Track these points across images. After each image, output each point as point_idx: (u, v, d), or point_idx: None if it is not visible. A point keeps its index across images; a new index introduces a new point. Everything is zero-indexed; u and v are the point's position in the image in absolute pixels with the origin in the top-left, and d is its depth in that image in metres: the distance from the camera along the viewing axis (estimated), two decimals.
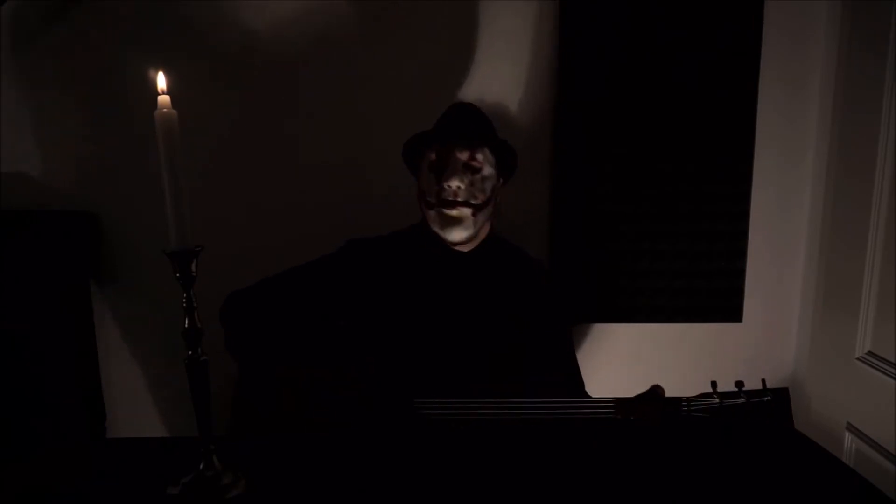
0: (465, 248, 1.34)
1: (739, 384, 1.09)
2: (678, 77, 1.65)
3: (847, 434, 1.55)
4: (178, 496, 0.84)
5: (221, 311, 1.31)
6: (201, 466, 0.85)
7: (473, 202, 1.26)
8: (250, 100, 1.67)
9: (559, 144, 1.69)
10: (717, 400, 1.08)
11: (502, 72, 1.67)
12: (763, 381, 1.09)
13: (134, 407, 1.81)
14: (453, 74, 1.67)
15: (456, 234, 1.28)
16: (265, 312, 1.31)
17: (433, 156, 1.29)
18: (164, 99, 0.79)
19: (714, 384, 1.11)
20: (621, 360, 1.81)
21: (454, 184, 1.24)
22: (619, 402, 1.11)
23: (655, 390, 1.13)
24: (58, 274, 1.62)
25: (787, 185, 1.74)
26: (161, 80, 0.80)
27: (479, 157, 1.27)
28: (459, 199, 1.25)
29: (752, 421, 1.07)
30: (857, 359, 1.52)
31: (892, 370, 1.40)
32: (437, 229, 1.29)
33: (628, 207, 1.72)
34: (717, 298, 1.77)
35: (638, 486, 0.89)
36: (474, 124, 1.31)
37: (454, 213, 1.26)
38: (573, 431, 1.11)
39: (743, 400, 1.08)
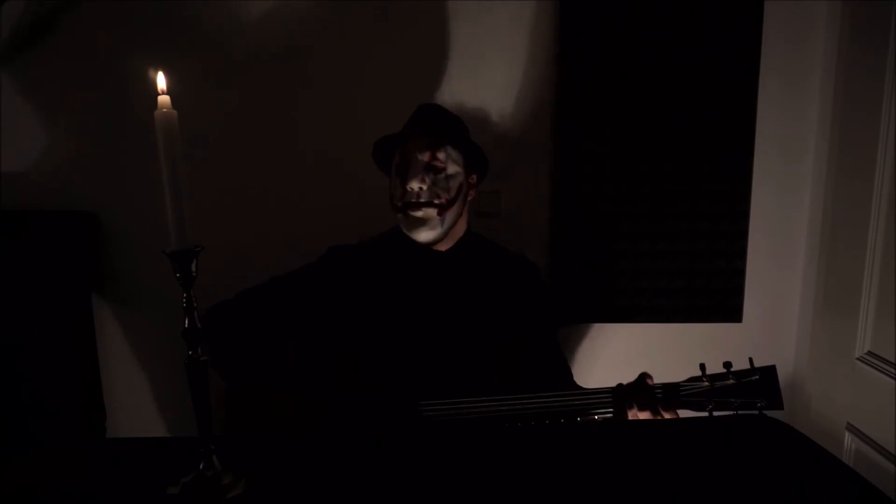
0: (442, 247, 1.35)
1: (727, 364, 1.09)
2: (678, 77, 1.66)
3: (847, 434, 1.55)
4: (178, 496, 0.84)
5: (204, 323, 1.30)
6: (201, 466, 0.85)
7: (437, 202, 1.27)
8: (251, 100, 1.67)
9: (559, 144, 1.69)
10: (707, 383, 1.09)
11: (503, 72, 1.67)
12: (750, 359, 1.10)
13: (134, 407, 1.81)
14: (454, 74, 1.67)
15: (423, 235, 1.28)
16: (263, 319, 1.31)
17: (397, 158, 1.30)
18: (164, 99, 0.78)
19: (703, 367, 1.11)
20: (621, 360, 1.81)
21: (415, 185, 1.25)
22: (615, 392, 1.12)
23: (643, 378, 1.14)
24: (57, 274, 1.62)
25: (787, 184, 1.74)
26: (161, 80, 0.80)
27: (441, 156, 1.27)
28: (423, 200, 1.26)
29: (744, 400, 1.08)
30: (857, 359, 1.52)
31: (892, 370, 1.40)
32: (406, 231, 1.30)
33: (628, 207, 1.72)
34: (717, 298, 1.77)
35: (638, 485, 0.89)
36: (433, 124, 1.31)
37: (419, 214, 1.27)
38: (573, 431, 1.12)
39: (733, 381, 1.08)
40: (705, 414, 1.13)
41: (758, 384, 1.08)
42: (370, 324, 1.31)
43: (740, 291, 1.77)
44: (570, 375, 1.39)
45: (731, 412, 1.11)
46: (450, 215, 1.29)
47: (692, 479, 0.90)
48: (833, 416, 1.61)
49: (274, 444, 1.04)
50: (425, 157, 1.27)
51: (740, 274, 1.76)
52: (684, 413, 1.14)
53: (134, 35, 1.62)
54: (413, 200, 1.26)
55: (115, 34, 1.62)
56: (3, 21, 1.59)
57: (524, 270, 1.42)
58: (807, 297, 1.77)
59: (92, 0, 1.60)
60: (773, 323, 1.81)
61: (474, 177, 1.37)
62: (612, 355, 1.82)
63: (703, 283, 1.76)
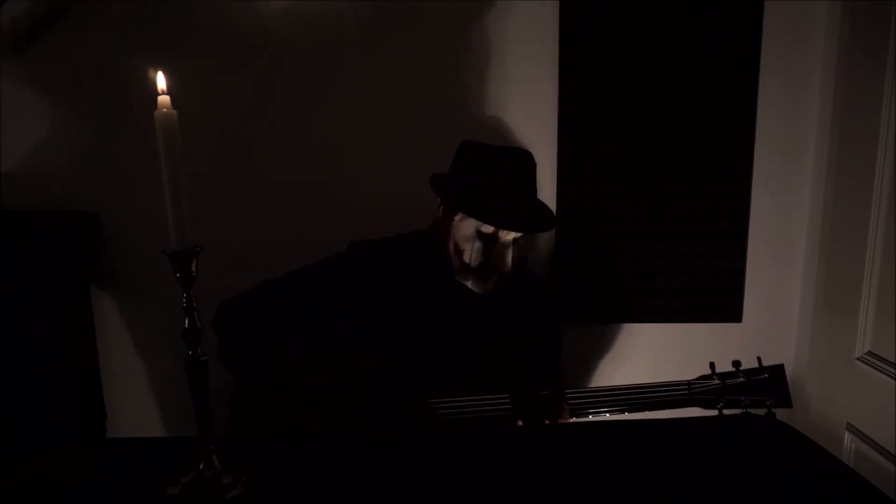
0: None
1: (737, 363, 1.10)
2: (678, 77, 1.65)
3: (847, 434, 1.55)
4: (178, 496, 0.84)
5: (215, 318, 1.30)
6: (201, 466, 0.85)
7: (507, 271, 1.28)
8: (251, 100, 1.67)
9: (559, 144, 1.69)
10: (717, 381, 1.10)
11: (502, 72, 1.66)
12: (759, 358, 1.11)
13: (134, 407, 1.81)
14: (454, 75, 1.66)
15: (480, 289, 1.30)
16: (266, 318, 1.30)
17: (489, 228, 1.25)
18: (164, 99, 0.79)
19: (712, 365, 1.12)
20: (621, 361, 1.81)
21: (507, 268, 1.26)
22: (514, 399, 1.16)
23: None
24: (57, 274, 1.62)
25: (787, 184, 1.74)
26: (161, 80, 0.80)
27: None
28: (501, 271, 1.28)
29: (754, 398, 1.09)
30: (857, 359, 1.52)
31: (892, 370, 1.40)
32: (461, 278, 1.30)
33: (628, 207, 1.72)
34: (717, 298, 1.77)
35: (638, 485, 0.89)
36: (538, 212, 1.27)
37: (489, 283, 1.28)
38: (573, 431, 1.12)
39: (743, 379, 1.09)
40: (708, 412, 1.13)
41: (766, 382, 1.09)
42: (383, 327, 1.31)
43: (740, 291, 1.77)
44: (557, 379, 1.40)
45: (740, 410, 1.11)
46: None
47: (692, 479, 0.90)
48: (833, 416, 1.61)
49: (274, 444, 1.04)
50: (514, 234, 1.26)
51: (740, 274, 1.76)
52: (686, 413, 1.14)
53: (134, 35, 1.62)
54: (491, 269, 1.27)
55: (115, 34, 1.62)
56: (3, 21, 1.59)
57: (525, 274, 1.42)
58: (807, 297, 1.77)
59: (92, 0, 1.60)
60: (773, 323, 1.81)
61: None
62: (611, 355, 1.81)
63: (703, 283, 1.76)
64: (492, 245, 1.25)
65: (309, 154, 1.69)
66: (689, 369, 1.22)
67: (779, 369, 1.11)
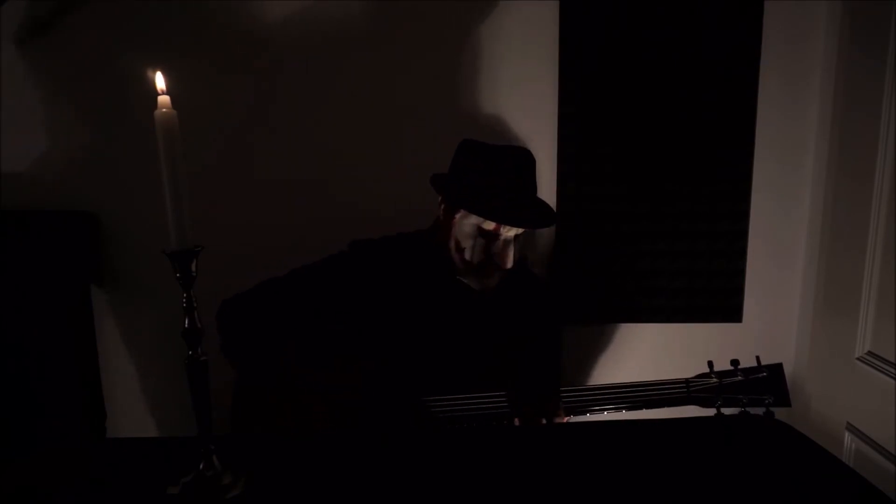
0: None
1: (735, 362, 1.11)
2: (678, 77, 1.66)
3: (847, 434, 1.55)
4: (178, 496, 0.84)
5: (219, 315, 1.30)
6: (201, 466, 0.85)
7: (509, 268, 1.28)
8: (252, 99, 1.67)
9: (559, 144, 1.69)
10: (715, 380, 1.10)
11: (502, 72, 1.67)
12: (757, 357, 1.11)
13: (134, 407, 1.81)
14: (454, 75, 1.66)
15: (481, 287, 1.30)
16: (268, 316, 1.30)
17: (490, 225, 1.25)
18: (163, 99, 0.78)
19: (711, 364, 1.12)
20: (621, 361, 1.81)
21: (509, 265, 1.26)
22: (510, 396, 1.16)
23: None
24: (57, 274, 1.62)
25: (787, 184, 1.74)
26: (161, 80, 0.80)
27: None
28: (502, 269, 1.28)
29: (752, 397, 1.09)
30: (857, 359, 1.52)
31: (892, 370, 1.40)
32: (462, 277, 1.30)
33: (628, 207, 1.72)
34: (717, 298, 1.77)
35: (638, 485, 0.89)
36: (530, 215, 1.26)
37: (491, 281, 1.29)
38: (572, 431, 1.12)
39: (741, 377, 1.09)
40: (708, 413, 1.13)
41: (765, 381, 1.09)
42: (384, 326, 1.31)
43: (740, 291, 1.77)
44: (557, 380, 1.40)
45: (739, 409, 1.11)
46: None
47: (692, 479, 0.90)
48: (833, 416, 1.61)
49: (274, 444, 1.04)
50: (515, 231, 1.25)
51: (740, 274, 1.76)
52: (685, 412, 1.14)
53: (134, 35, 1.62)
54: (492, 267, 1.27)
55: (116, 34, 1.62)
56: (4, 21, 1.59)
57: (525, 273, 1.42)
58: (807, 297, 1.77)
59: (92, 0, 1.60)
60: (773, 323, 1.81)
61: None
62: (611, 355, 1.81)
63: (703, 283, 1.76)
64: (493, 242, 1.26)
65: (309, 154, 1.69)
66: (689, 369, 1.22)
67: (777, 368, 1.11)
